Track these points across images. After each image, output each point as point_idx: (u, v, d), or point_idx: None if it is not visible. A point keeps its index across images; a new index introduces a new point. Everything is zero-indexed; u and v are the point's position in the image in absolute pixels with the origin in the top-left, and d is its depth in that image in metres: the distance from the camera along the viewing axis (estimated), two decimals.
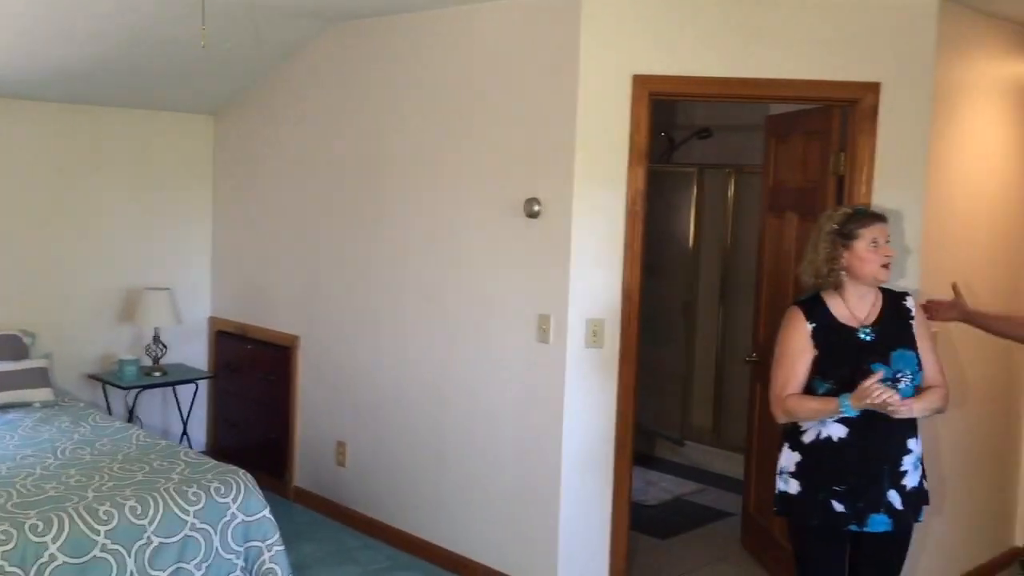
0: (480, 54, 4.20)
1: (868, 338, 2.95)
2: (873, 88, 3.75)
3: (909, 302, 3.05)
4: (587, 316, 3.86)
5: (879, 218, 3.01)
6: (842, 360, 2.93)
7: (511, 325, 4.07)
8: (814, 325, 2.98)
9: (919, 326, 3.02)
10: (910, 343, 2.97)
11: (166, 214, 5.68)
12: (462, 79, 4.27)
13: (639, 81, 3.79)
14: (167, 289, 5.45)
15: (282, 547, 3.74)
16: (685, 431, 6.33)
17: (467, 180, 4.25)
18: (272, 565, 3.69)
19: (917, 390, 2.94)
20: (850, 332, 2.97)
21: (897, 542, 3.01)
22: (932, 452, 3.75)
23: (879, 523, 2.91)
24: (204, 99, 5.55)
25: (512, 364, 4.08)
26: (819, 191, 4.02)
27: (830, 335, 2.97)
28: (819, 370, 2.96)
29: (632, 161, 3.82)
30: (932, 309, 3.48)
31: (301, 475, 5.22)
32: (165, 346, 5.44)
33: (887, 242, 2.99)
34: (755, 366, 4.62)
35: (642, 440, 6.22)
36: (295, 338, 5.20)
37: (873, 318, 2.99)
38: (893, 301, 3.04)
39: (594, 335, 3.86)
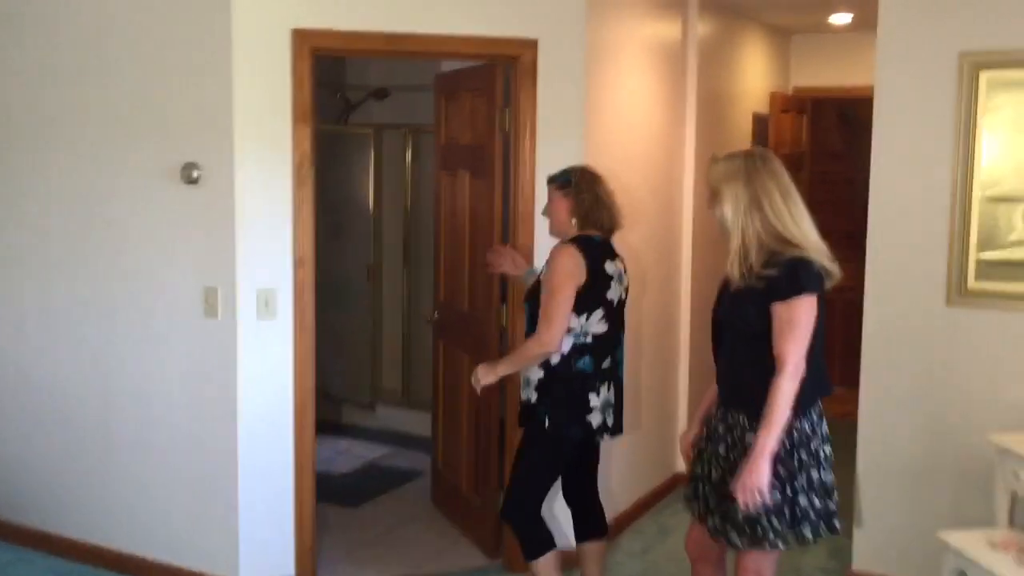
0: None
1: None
2: (531, 45, 3.83)
3: (545, 260, 3.34)
4: (257, 286, 3.65)
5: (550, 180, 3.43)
6: None
7: (174, 301, 3.76)
8: None
9: (544, 279, 3.31)
10: (533, 290, 3.40)
11: None
12: (102, 28, 3.83)
13: (299, 36, 3.60)
14: None
15: None
16: (375, 394, 6.27)
17: (114, 144, 3.85)
18: None
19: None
20: None
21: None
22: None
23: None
24: None
25: (178, 343, 3.78)
26: (488, 148, 4.06)
27: None
28: None
29: (296, 121, 3.64)
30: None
31: None
32: None
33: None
34: (437, 324, 4.64)
35: (331, 408, 6.09)
36: None
37: None
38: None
39: (266, 305, 3.66)
